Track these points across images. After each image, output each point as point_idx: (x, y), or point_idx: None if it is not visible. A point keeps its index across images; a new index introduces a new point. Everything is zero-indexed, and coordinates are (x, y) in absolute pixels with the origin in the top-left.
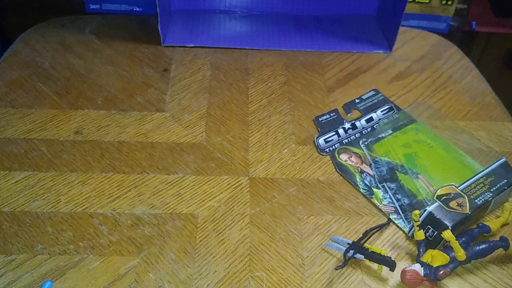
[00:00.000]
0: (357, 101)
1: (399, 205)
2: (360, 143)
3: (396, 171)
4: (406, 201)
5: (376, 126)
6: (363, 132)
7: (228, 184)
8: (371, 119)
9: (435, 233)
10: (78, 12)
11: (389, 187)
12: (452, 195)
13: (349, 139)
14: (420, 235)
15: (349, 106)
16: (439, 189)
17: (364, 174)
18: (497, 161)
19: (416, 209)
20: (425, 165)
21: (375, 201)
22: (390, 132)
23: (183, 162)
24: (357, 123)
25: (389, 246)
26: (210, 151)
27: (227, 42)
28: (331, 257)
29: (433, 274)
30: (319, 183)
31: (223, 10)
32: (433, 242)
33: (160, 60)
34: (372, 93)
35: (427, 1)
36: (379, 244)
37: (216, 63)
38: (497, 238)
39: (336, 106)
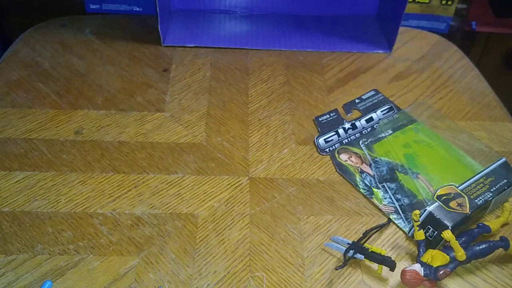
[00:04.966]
0: (357, 101)
1: (399, 205)
2: (360, 143)
3: (396, 171)
4: (406, 201)
5: (376, 126)
6: (363, 132)
7: (228, 184)
8: (371, 119)
9: (435, 233)
10: (78, 12)
11: (389, 187)
12: (452, 195)
13: (349, 139)
14: (420, 235)
15: (349, 106)
16: (439, 189)
17: (364, 174)
18: (497, 161)
19: (416, 209)
20: (425, 165)
21: (375, 201)
22: (390, 132)
23: (183, 162)
24: (357, 123)
25: (389, 246)
26: (210, 151)
27: (227, 42)
28: (331, 257)
29: (433, 274)
30: (319, 183)
31: (223, 10)
32: (433, 242)
33: (160, 60)
34: (372, 93)
35: (427, 1)
36: (379, 244)
37: (216, 63)
38: (497, 238)
39: (336, 106)
